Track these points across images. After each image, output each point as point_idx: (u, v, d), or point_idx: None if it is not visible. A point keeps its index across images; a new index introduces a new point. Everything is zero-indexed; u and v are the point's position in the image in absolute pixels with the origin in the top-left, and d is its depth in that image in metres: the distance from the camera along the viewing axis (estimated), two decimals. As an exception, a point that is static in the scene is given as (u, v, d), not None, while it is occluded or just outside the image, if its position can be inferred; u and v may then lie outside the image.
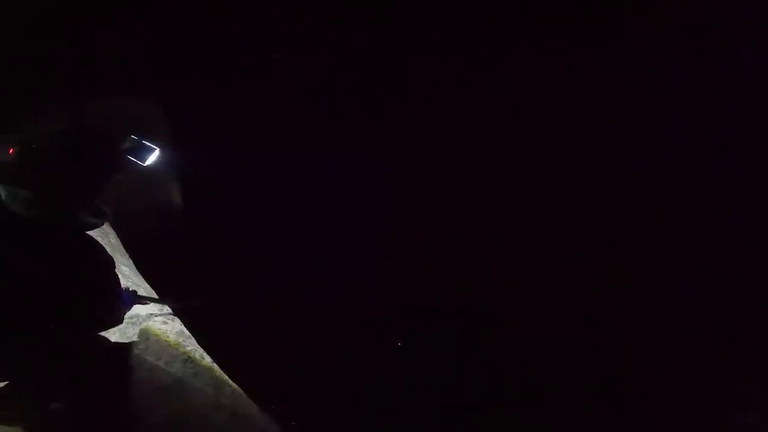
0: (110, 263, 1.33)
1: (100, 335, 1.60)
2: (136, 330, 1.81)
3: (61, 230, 1.23)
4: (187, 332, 1.99)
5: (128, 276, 2.35)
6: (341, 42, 2.76)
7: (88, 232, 1.33)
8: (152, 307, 2.06)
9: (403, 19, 2.62)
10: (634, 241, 2.43)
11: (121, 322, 1.46)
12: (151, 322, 1.88)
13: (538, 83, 2.40)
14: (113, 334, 1.74)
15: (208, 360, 1.86)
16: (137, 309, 1.86)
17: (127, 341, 1.76)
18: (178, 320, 2.03)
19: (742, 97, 2.43)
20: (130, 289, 1.56)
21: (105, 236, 2.60)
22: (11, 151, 1.22)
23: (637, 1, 2.60)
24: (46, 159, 1.22)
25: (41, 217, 1.19)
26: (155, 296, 2.29)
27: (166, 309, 2.12)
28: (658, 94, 2.52)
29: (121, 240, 2.76)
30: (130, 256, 2.66)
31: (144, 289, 2.31)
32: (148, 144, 1.44)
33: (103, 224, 1.36)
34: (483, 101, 2.48)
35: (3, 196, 1.16)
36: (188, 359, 1.78)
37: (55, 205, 1.21)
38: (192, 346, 1.91)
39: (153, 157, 1.44)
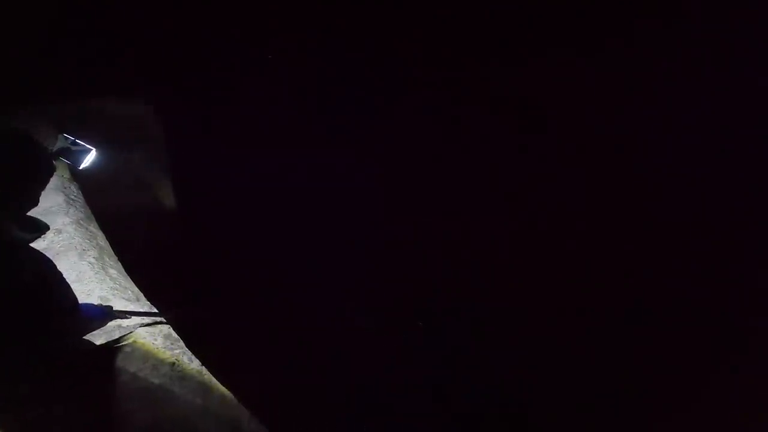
0: (54, 274, 1.25)
1: (85, 339, 1.58)
2: (123, 334, 1.79)
3: None
4: (174, 335, 1.97)
5: (116, 279, 2.32)
6: (333, 44, 2.75)
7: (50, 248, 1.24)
8: (139, 311, 2.04)
9: (394, 21, 2.61)
10: (627, 241, 2.43)
11: (85, 333, 1.38)
12: (137, 326, 1.86)
13: (527, 85, 2.40)
14: (99, 339, 1.73)
15: (196, 364, 1.84)
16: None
17: (113, 345, 1.74)
18: (166, 324, 2.01)
19: (741, 97, 2.43)
20: (105, 304, 1.49)
21: (93, 238, 2.58)
22: None
23: (636, 3, 2.60)
24: None
25: None
26: (143, 298, 2.27)
27: (154, 312, 2.10)
28: (655, 95, 2.52)
29: (110, 242, 2.74)
30: (119, 259, 2.63)
31: (132, 292, 2.29)
32: (82, 144, 1.31)
33: (39, 237, 1.25)
34: (473, 103, 2.48)
35: None
36: (176, 363, 1.76)
37: None
38: (180, 350, 1.88)
39: (88, 159, 1.32)
